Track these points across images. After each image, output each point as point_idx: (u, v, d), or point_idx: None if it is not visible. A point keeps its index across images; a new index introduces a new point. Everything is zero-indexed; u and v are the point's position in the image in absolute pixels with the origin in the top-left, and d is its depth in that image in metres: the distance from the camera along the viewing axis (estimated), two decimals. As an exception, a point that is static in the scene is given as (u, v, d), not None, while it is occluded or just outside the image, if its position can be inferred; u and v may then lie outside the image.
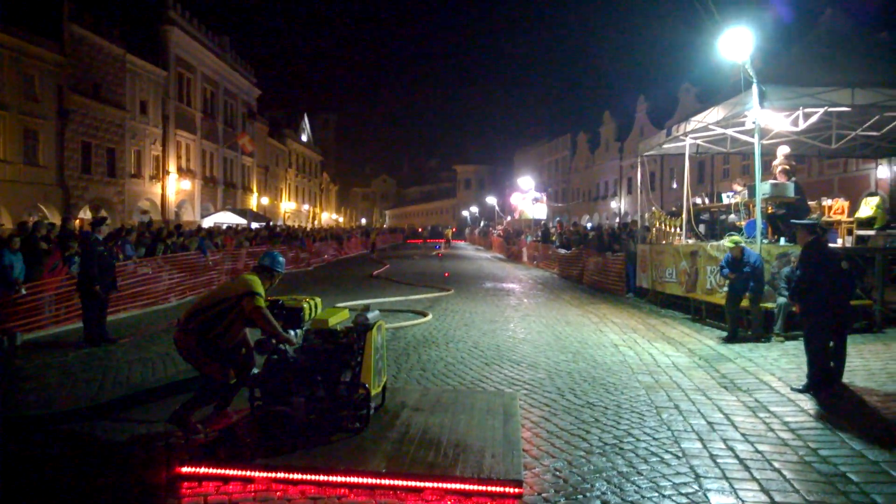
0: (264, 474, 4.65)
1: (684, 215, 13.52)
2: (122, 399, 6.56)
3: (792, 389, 6.88)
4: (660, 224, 14.98)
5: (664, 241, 14.44)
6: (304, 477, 4.60)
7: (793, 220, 8.13)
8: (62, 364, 8.26)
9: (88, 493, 4.55)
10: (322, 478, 4.58)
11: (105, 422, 5.90)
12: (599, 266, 18.03)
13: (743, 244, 9.81)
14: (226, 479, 4.63)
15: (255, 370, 5.79)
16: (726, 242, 10.00)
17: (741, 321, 9.97)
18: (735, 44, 9.51)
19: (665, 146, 14.40)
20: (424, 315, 12.44)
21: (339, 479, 4.56)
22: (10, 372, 7.88)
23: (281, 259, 6.00)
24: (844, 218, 12.13)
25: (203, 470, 4.69)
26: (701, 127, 12.11)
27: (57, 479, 4.75)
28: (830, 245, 9.31)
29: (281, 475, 4.63)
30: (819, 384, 6.74)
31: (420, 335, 10.36)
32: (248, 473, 4.66)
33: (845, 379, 7.03)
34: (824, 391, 6.67)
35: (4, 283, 9.92)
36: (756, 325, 9.70)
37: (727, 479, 4.70)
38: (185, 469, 4.70)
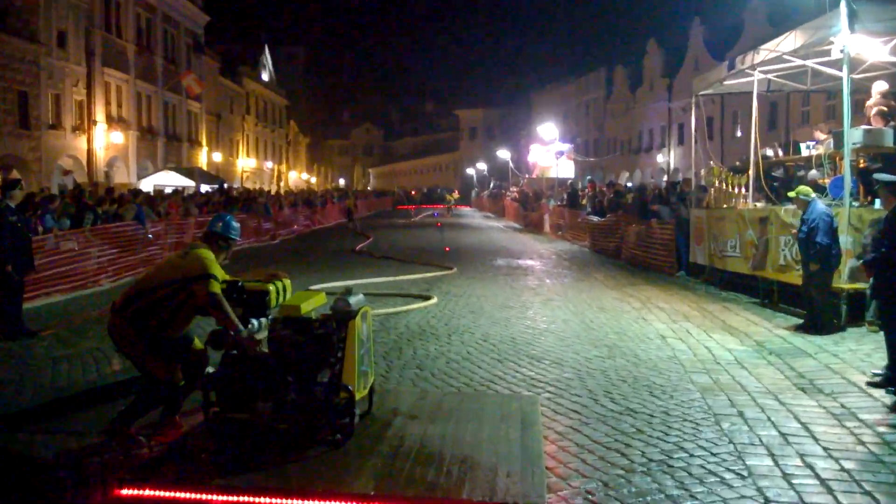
0: (223, 497, 4.69)
1: (751, 171, 13.48)
2: (45, 405, 6.60)
3: (868, 384, 6.94)
4: (720, 183, 14.95)
5: (725, 205, 14.42)
6: (272, 501, 4.64)
7: (876, 176, 8.07)
8: (-34, 363, 8.32)
9: (3, 523, 4.61)
10: (295, 502, 4.62)
11: (24, 433, 5.95)
12: (642, 237, 18.04)
13: (813, 197, 9.74)
14: (175, 505, 4.67)
15: (210, 369, 5.81)
16: (792, 194, 9.98)
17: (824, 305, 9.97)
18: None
19: (727, 83, 14.31)
20: (425, 298, 12.48)
21: (316, 503, 4.60)
22: None
23: (235, 224, 6.03)
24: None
25: (147, 492, 4.72)
26: (773, 58, 12.02)
27: (-37, 506, 4.81)
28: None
29: (243, 499, 4.67)
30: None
31: (416, 325, 10.39)
32: (203, 497, 4.70)
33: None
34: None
35: None
36: (819, 310, 9.63)
37: None
38: (124, 491, 4.74)
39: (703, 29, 48.23)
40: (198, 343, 5.93)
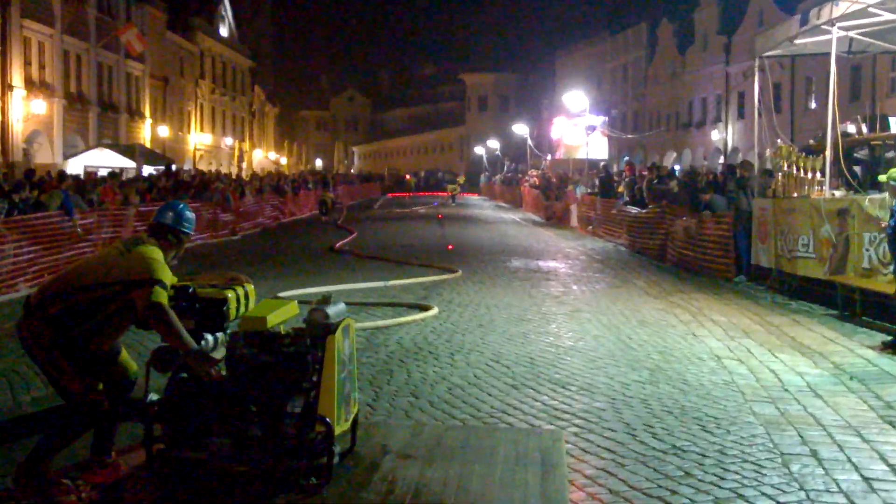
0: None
1: (828, 152, 13.44)
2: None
3: None
4: (789, 166, 14.91)
5: (796, 194, 14.38)
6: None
7: None
8: None
9: None
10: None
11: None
12: (692, 233, 18.01)
13: None
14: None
15: (154, 395, 5.80)
16: (882, 178, 9.97)
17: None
18: None
19: (798, 42, 14.26)
20: (422, 308, 12.47)
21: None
22: None
23: (189, 214, 5.98)
24: None
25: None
26: (857, 10, 11.98)
27: None
28: None
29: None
30: None
31: (410, 341, 10.37)
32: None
33: None
34: None
35: None
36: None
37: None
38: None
39: (769, -26, 48.18)
40: (126, 356, 5.90)
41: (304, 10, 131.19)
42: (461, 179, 71.03)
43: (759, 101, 16.84)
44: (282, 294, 13.09)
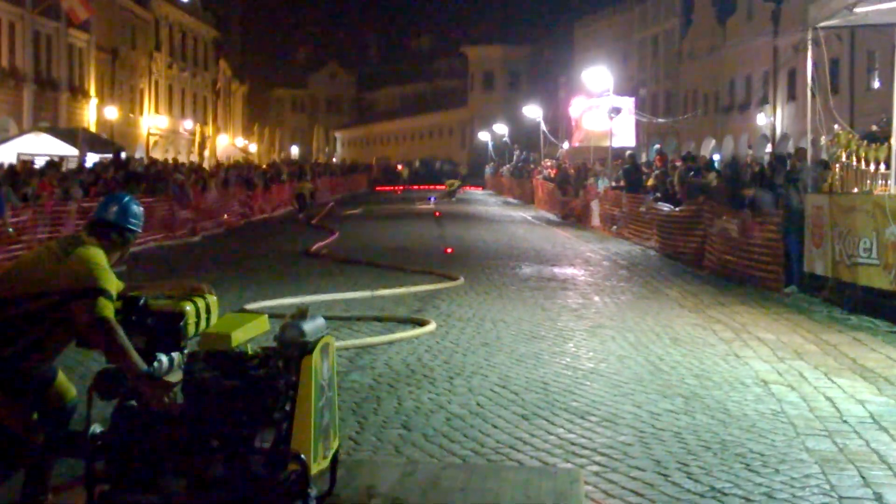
0: None
1: (894, 140, 13.45)
2: None
3: None
4: (848, 156, 14.91)
5: (856, 189, 14.38)
6: None
7: None
8: None
9: None
10: None
11: None
12: (734, 235, 18.00)
13: None
14: None
15: (96, 427, 5.77)
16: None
17: None
18: None
19: (860, 9, 14.23)
20: (417, 323, 12.45)
21: None
22: None
23: (136, 209, 5.94)
24: None
25: None
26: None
27: None
28: None
29: None
30: None
31: (402, 362, 10.35)
32: None
33: None
34: None
35: None
36: None
37: None
38: None
39: (825, -70, 48.29)
40: (63, 380, 5.87)
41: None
42: (463, 170, 71.16)
43: (813, 79, 16.85)
44: (249, 306, 13.11)
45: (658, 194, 25.39)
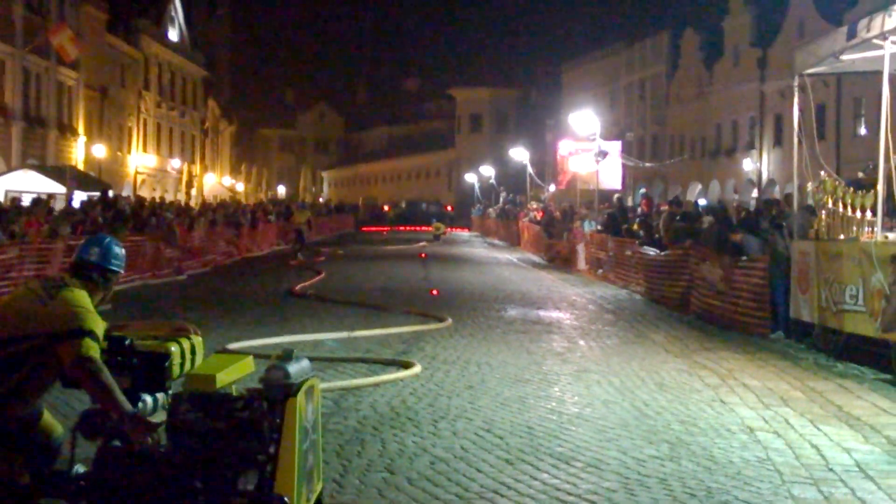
0: None
1: (880, 187, 13.49)
2: None
3: None
4: (834, 203, 14.96)
5: (842, 236, 14.41)
6: None
7: None
8: None
9: None
10: None
11: None
12: (721, 281, 18.03)
13: None
14: None
15: (80, 467, 5.74)
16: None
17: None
18: None
19: (845, 57, 14.33)
20: (402, 365, 12.42)
21: None
22: None
23: (118, 250, 5.96)
24: None
25: None
26: (914, 23, 12.05)
27: None
28: None
29: None
30: None
31: (386, 405, 10.31)
32: None
33: None
34: None
35: None
36: None
37: None
38: None
39: (811, -22, 48.78)
40: (49, 418, 5.84)
41: (267, 11, 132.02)
42: (440, 227, 71.72)
43: (800, 125, 16.92)
44: (233, 346, 13.08)
45: (643, 237, 25.45)
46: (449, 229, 65.62)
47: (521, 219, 52.42)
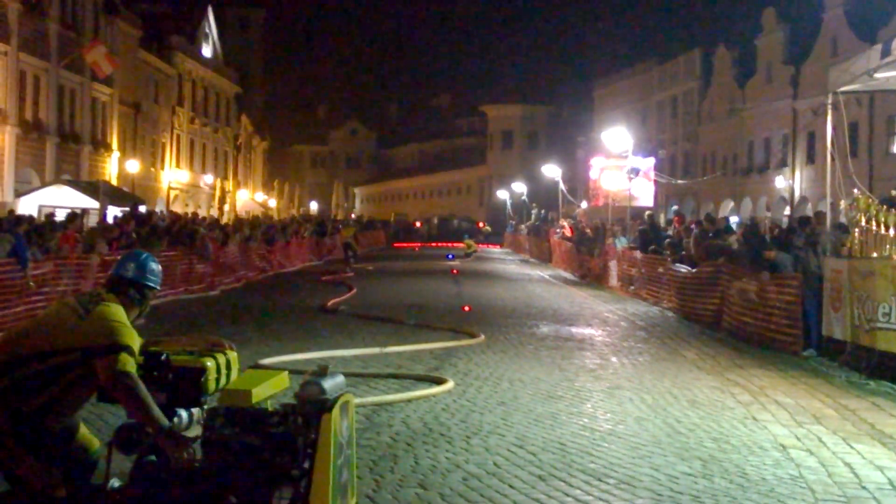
0: None
1: (914, 205, 13.43)
2: None
3: None
4: (867, 220, 14.90)
5: (876, 254, 14.35)
6: None
7: None
8: None
9: None
10: None
11: None
12: (753, 298, 17.97)
13: None
14: None
15: (116, 482, 5.79)
16: None
17: None
18: None
19: (880, 75, 14.31)
20: (435, 381, 12.44)
21: None
22: None
23: (154, 266, 6.04)
24: None
25: None
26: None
27: None
28: None
29: None
30: None
31: (419, 421, 10.33)
32: None
33: None
34: None
35: None
36: None
37: None
38: None
39: (844, -4, 48.54)
40: (85, 432, 5.89)
41: (301, 28, 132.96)
42: (487, 228, 71.49)
43: (833, 143, 16.89)
44: (265, 361, 13.13)
45: (674, 255, 25.38)
46: (480, 246, 65.61)
47: (551, 235, 52.35)
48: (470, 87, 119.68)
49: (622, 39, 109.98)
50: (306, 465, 5.50)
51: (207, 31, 73.13)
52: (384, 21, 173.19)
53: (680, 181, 61.25)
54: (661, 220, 43.01)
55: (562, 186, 60.99)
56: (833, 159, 16.83)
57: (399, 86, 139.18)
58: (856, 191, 16.78)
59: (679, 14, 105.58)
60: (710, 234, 23.87)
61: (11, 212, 27.49)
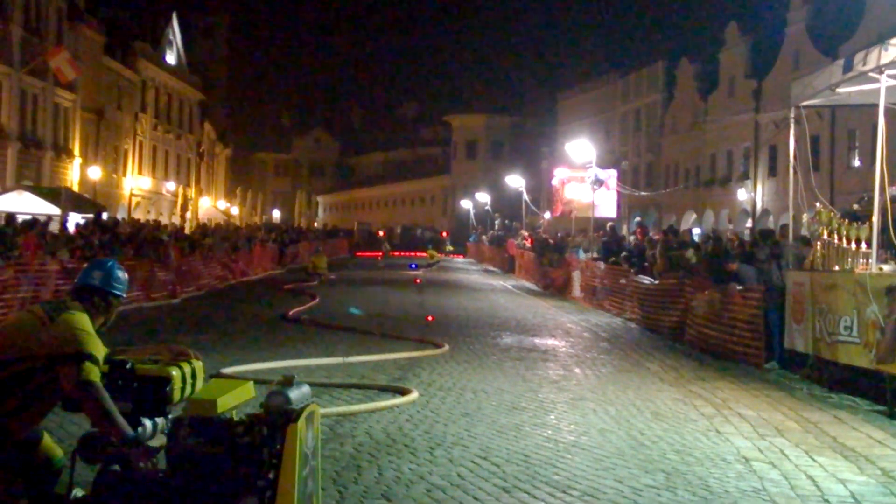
0: None
1: (875, 218, 13.54)
2: None
3: None
4: (829, 234, 15.02)
5: (837, 267, 14.45)
6: None
7: None
8: None
9: None
10: None
11: None
12: (715, 310, 18.05)
13: None
14: None
15: (79, 491, 5.74)
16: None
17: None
18: None
19: (840, 90, 14.41)
20: (398, 392, 12.41)
21: None
22: None
23: (120, 274, 6.02)
24: None
25: None
26: (910, 57, 12.12)
27: None
28: None
29: None
30: None
31: (382, 431, 10.30)
32: None
33: None
34: None
35: None
36: None
37: None
38: None
39: (805, 11, 49.02)
40: (49, 441, 5.84)
41: (265, 35, 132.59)
42: (449, 248, 71.76)
43: (795, 156, 16.98)
44: (227, 370, 13.07)
45: (636, 266, 25.50)
46: (442, 255, 65.70)
47: (512, 246, 52.44)
48: (435, 97, 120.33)
49: (586, 51, 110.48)
50: (271, 475, 5.47)
51: (171, 37, 72.83)
52: (350, 30, 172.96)
53: (643, 193, 61.53)
54: (624, 230, 43.10)
55: (525, 197, 61.15)
56: (795, 172, 16.95)
57: (364, 94, 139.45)
58: (818, 204, 16.90)
59: (643, 27, 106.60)
60: (674, 246, 23.99)
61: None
